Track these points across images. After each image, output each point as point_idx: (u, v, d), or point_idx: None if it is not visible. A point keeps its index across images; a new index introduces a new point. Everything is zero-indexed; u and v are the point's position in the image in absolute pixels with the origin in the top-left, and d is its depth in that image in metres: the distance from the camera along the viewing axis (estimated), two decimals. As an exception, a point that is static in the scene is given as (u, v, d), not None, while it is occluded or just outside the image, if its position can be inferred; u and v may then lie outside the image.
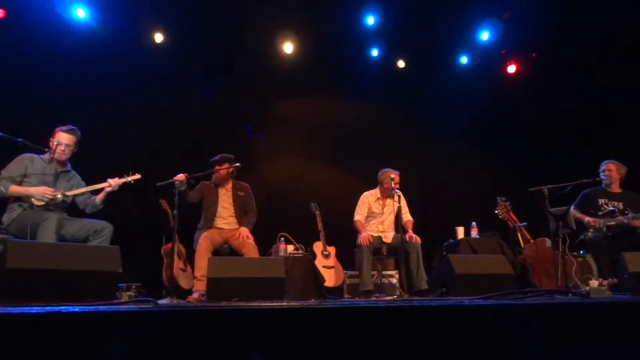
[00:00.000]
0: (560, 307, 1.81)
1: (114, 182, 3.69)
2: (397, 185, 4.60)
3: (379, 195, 4.77)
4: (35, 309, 1.42)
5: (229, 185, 4.46)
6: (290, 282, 3.93)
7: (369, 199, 4.77)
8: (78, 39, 5.26)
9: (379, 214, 4.74)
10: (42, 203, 3.37)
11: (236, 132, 6.07)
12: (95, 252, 2.90)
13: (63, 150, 3.57)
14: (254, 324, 1.52)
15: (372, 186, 4.88)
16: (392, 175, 4.58)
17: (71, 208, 3.75)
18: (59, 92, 4.94)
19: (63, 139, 3.58)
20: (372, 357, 1.57)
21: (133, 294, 4.04)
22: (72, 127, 3.68)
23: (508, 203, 5.04)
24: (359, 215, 4.72)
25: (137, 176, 3.82)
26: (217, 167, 4.36)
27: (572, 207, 4.53)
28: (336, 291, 4.86)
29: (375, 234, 4.62)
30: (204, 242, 4.08)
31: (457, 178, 6.44)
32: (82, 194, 3.68)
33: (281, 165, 6.32)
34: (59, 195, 3.45)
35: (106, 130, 4.93)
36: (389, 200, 4.75)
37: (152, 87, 5.49)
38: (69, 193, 3.57)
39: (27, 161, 3.50)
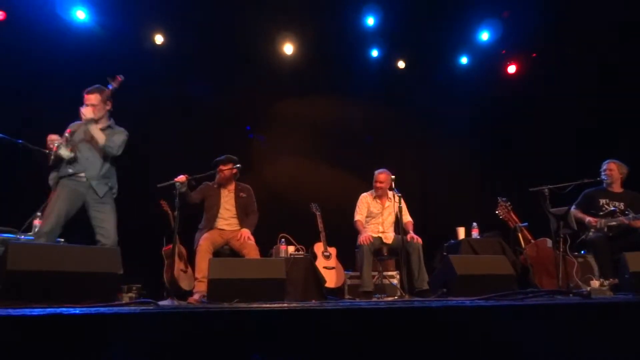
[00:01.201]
0: (561, 308, 1.80)
1: (84, 111, 3.53)
2: (383, 185, 4.68)
3: (375, 195, 4.80)
4: (36, 311, 1.42)
5: (232, 187, 4.47)
6: (291, 283, 3.93)
7: (367, 199, 4.80)
8: (78, 41, 5.27)
9: (378, 214, 4.75)
10: (58, 150, 3.43)
11: (236, 132, 6.08)
12: (96, 253, 2.89)
13: (92, 110, 3.60)
14: (255, 325, 1.52)
15: (372, 187, 4.89)
16: (384, 177, 4.68)
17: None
18: (59, 93, 4.94)
19: (86, 101, 3.63)
20: (373, 358, 1.57)
21: (134, 295, 4.04)
22: (95, 86, 3.66)
23: (509, 203, 5.04)
24: (359, 216, 4.74)
25: (119, 78, 3.64)
26: (221, 167, 4.36)
27: (573, 207, 4.53)
28: (337, 292, 4.86)
29: (376, 235, 4.62)
30: (205, 244, 4.08)
31: (457, 178, 6.45)
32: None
33: (281, 166, 6.33)
34: (58, 141, 3.44)
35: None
36: (388, 202, 4.77)
37: (152, 88, 5.50)
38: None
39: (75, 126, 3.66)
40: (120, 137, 3.69)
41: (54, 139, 3.45)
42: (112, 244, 3.50)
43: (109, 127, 3.70)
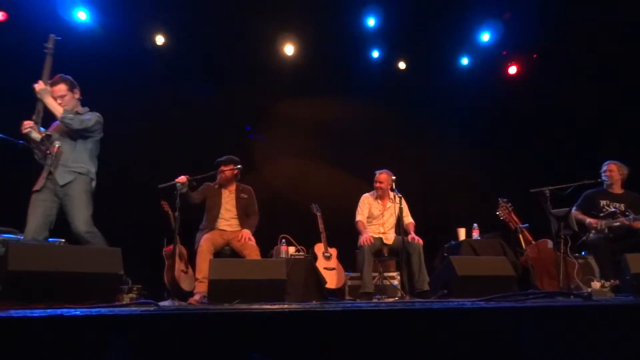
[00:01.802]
0: (562, 309, 1.80)
1: (35, 85, 3.36)
2: (383, 185, 4.70)
3: (376, 195, 4.81)
4: (37, 312, 1.42)
5: (233, 187, 4.47)
6: (291, 284, 3.93)
7: (368, 199, 4.81)
8: (79, 42, 5.27)
9: (379, 215, 4.75)
10: (30, 135, 3.35)
11: (237, 133, 6.09)
12: (97, 254, 2.89)
13: (61, 103, 3.50)
14: (255, 326, 1.52)
15: (373, 187, 4.89)
16: (384, 177, 4.71)
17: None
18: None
19: (54, 93, 3.50)
20: (374, 359, 1.57)
21: (134, 295, 4.03)
22: (58, 76, 3.54)
23: (509, 204, 5.04)
24: (360, 216, 4.75)
25: (53, 37, 3.43)
26: (222, 167, 4.37)
27: (574, 208, 4.53)
28: (337, 293, 4.86)
29: (377, 236, 4.62)
30: (205, 244, 4.08)
31: (458, 179, 6.45)
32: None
33: (282, 166, 6.33)
34: (28, 128, 3.33)
35: (107, 131, 4.94)
36: (389, 203, 4.77)
37: (153, 89, 5.51)
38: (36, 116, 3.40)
39: None
40: (88, 115, 3.51)
41: (26, 125, 3.35)
42: (81, 238, 3.31)
43: (77, 113, 3.52)
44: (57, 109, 3.41)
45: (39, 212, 3.31)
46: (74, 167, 3.45)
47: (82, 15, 5.35)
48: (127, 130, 5.21)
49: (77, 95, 3.61)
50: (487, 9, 6.17)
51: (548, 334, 1.71)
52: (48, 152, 3.43)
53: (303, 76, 6.22)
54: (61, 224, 3.42)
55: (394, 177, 4.64)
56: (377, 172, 4.81)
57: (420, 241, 4.43)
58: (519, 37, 6.36)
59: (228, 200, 4.41)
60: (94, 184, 3.52)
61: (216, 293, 3.04)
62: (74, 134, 3.49)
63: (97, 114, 3.60)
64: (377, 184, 4.75)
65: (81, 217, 3.34)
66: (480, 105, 6.54)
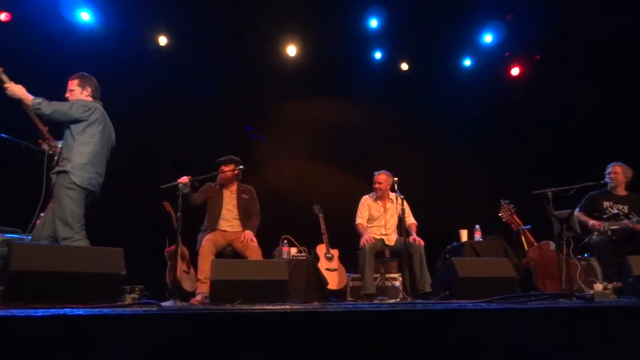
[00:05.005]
0: (564, 311, 1.80)
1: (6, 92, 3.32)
2: (382, 185, 4.68)
3: (376, 197, 4.80)
4: (40, 312, 1.43)
5: (234, 188, 4.48)
6: (293, 285, 3.93)
7: (367, 201, 4.80)
8: (82, 42, 5.29)
9: (380, 216, 4.74)
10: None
11: (239, 134, 6.09)
12: (100, 254, 2.89)
13: (68, 96, 3.56)
14: (257, 326, 1.53)
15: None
16: (382, 178, 4.71)
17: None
18: (64, 95, 4.96)
19: (67, 86, 3.58)
20: (376, 360, 1.56)
21: (136, 296, 4.04)
22: (79, 73, 3.59)
23: (512, 206, 5.02)
24: (360, 219, 4.74)
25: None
26: (223, 168, 4.37)
27: (577, 209, 4.51)
28: (339, 294, 4.86)
29: (378, 237, 4.61)
30: (207, 245, 4.08)
31: (460, 181, 6.44)
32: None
33: (285, 167, 6.34)
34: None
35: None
36: (389, 204, 4.76)
37: (155, 89, 5.52)
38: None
39: None
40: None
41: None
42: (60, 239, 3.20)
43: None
44: (27, 99, 3.35)
45: (46, 214, 3.32)
46: (58, 167, 3.34)
47: (85, 16, 5.38)
48: (129, 130, 5.21)
49: (87, 93, 3.59)
50: (490, 11, 6.17)
51: (550, 335, 1.70)
52: (51, 152, 3.45)
53: (305, 77, 6.22)
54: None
55: (395, 178, 4.61)
56: (376, 173, 4.79)
57: (422, 242, 4.42)
58: (521, 38, 6.35)
59: (229, 200, 4.41)
60: (74, 178, 3.27)
61: (218, 293, 3.05)
62: (65, 128, 3.41)
63: (81, 102, 3.49)
64: (376, 185, 4.73)
65: (59, 222, 3.21)
66: (483, 107, 6.53)
